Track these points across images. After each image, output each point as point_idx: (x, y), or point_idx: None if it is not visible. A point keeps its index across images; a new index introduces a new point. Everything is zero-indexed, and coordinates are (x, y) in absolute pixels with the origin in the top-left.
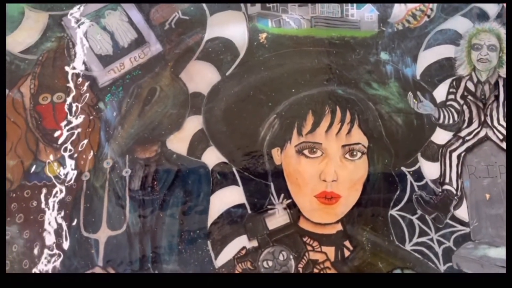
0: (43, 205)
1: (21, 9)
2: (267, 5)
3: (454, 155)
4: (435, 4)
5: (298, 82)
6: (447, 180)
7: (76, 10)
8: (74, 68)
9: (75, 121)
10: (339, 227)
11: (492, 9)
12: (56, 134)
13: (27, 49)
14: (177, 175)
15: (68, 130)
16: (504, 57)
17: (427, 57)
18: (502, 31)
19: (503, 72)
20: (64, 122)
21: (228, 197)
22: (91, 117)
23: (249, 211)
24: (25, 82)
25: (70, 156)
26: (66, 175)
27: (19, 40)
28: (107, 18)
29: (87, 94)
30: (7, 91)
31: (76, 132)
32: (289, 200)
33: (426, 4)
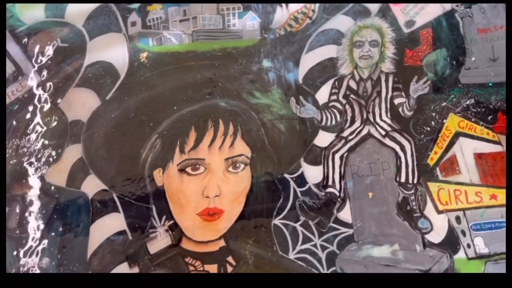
0: None
1: None
2: (148, 23)
3: (337, 156)
4: (317, 5)
5: (180, 98)
6: (330, 183)
7: None
8: None
9: None
10: (222, 243)
11: (373, 5)
12: None
13: None
14: (55, 208)
15: None
16: (386, 52)
17: (309, 59)
18: (384, 25)
19: (385, 67)
20: None
21: (108, 225)
22: None
23: (130, 237)
24: None
25: None
26: None
27: None
28: None
29: None
30: None
31: None
32: (171, 222)
33: (308, 6)
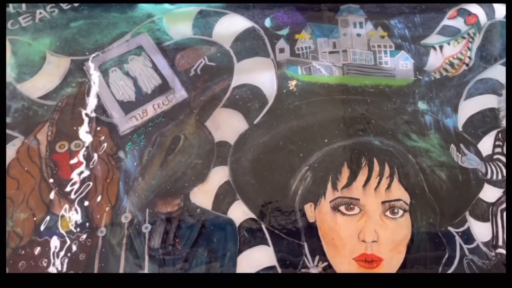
0: (53, 264)
1: (42, 54)
2: (297, 51)
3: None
4: (473, 52)
5: (331, 131)
6: (500, 243)
7: (99, 55)
8: (94, 114)
9: (92, 171)
10: None
11: None
12: (71, 184)
13: (46, 95)
14: (201, 232)
15: (84, 181)
16: None
17: (469, 107)
18: None
19: None
20: (79, 172)
21: (256, 259)
22: (109, 167)
23: None
24: (42, 129)
25: (85, 209)
26: (80, 230)
27: (38, 85)
28: (130, 63)
29: (106, 142)
30: (23, 138)
31: (92, 183)
32: (325, 263)
33: (464, 52)
